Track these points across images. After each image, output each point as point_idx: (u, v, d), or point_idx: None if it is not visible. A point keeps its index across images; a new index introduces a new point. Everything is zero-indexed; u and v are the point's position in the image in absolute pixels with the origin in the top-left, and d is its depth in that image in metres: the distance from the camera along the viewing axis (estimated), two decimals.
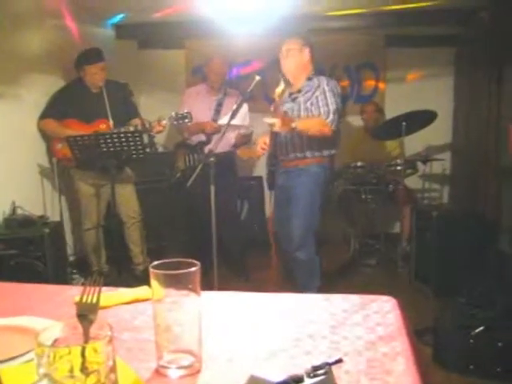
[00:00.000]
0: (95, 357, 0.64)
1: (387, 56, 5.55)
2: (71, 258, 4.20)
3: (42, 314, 1.09)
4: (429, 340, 2.91)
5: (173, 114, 3.76)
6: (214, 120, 4.26)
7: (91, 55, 3.86)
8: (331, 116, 3.27)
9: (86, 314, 0.77)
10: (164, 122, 3.75)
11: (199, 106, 4.15)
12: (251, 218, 5.25)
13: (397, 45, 5.45)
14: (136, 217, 4.15)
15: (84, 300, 0.82)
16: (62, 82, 4.08)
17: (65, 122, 3.84)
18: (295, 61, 3.41)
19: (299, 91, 3.43)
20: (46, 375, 0.63)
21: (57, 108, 3.88)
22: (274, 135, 3.39)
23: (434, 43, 5.38)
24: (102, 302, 1.12)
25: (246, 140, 4.34)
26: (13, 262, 3.21)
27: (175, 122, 3.77)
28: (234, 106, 3.38)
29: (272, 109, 3.11)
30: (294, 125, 3.14)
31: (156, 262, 0.87)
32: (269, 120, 3.07)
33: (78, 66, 3.91)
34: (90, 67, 3.85)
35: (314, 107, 3.33)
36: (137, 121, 3.74)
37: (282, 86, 3.04)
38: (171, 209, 4.77)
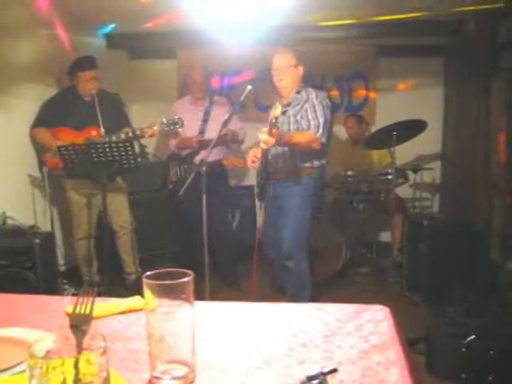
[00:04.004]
0: (89, 368, 0.64)
1: (378, 66, 5.60)
2: (62, 268, 4.17)
3: (34, 324, 1.08)
4: (421, 349, 2.92)
5: (164, 120, 3.75)
6: (202, 131, 4.26)
7: (85, 62, 3.87)
8: (321, 130, 3.29)
9: (79, 324, 0.76)
10: (155, 128, 3.74)
11: (186, 117, 4.13)
12: (242, 227, 5.24)
13: (387, 55, 5.50)
14: (128, 226, 4.14)
15: (77, 311, 0.82)
16: (52, 92, 4.07)
17: (56, 130, 3.83)
18: (291, 77, 3.43)
19: (288, 104, 3.44)
20: None
21: (48, 116, 3.87)
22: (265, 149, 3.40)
23: (424, 54, 5.44)
24: (95, 313, 1.11)
25: (235, 139, 4.32)
26: (3, 272, 3.19)
27: (166, 128, 3.76)
28: (226, 116, 3.38)
29: (267, 128, 3.11)
30: (285, 139, 3.16)
31: (149, 272, 0.86)
32: (262, 136, 3.07)
33: (71, 73, 3.91)
34: (83, 74, 3.85)
35: (304, 120, 3.35)
36: (127, 129, 3.74)
37: (279, 109, 3.03)
38: (163, 218, 4.75)
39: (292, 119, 3.40)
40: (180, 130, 3.90)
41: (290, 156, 3.42)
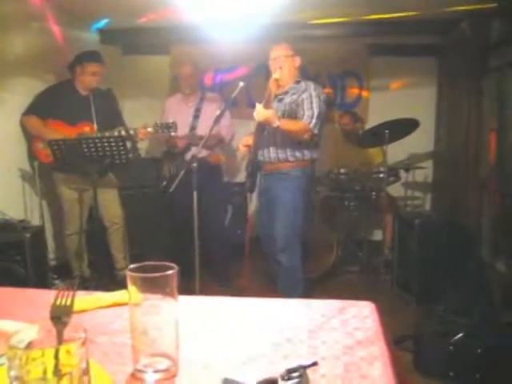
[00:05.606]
0: (68, 359, 0.63)
1: (370, 65, 5.60)
2: (52, 263, 4.15)
3: (21, 317, 1.07)
4: (409, 346, 2.93)
5: (158, 122, 3.74)
6: (193, 127, 4.26)
7: (94, 54, 3.88)
8: (314, 120, 3.30)
9: (59, 316, 0.76)
10: (149, 130, 3.73)
11: (178, 114, 4.13)
12: (234, 223, 5.23)
13: (380, 54, 5.51)
14: (118, 222, 4.13)
15: (58, 302, 0.82)
16: (45, 86, 4.05)
17: (49, 122, 3.80)
18: (288, 67, 3.44)
19: (286, 93, 3.46)
20: (17, 378, 0.62)
21: (42, 106, 3.84)
22: (257, 136, 3.40)
23: (417, 53, 5.45)
24: (81, 306, 1.11)
25: (221, 143, 4.33)
26: None
27: (160, 131, 3.75)
28: (218, 112, 3.38)
29: (264, 101, 3.13)
30: (277, 123, 3.18)
31: (133, 265, 0.86)
32: (258, 106, 3.09)
33: (76, 63, 3.88)
34: (89, 65, 3.83)
35: (300, 108, 3.36)
36: (121, 129, 3.73)
37: (277, 73, 3.06)
38: (155, 214, 4.74)
39: (288, 107, 3.41)
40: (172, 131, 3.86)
41: (281, 147, 3.43)
